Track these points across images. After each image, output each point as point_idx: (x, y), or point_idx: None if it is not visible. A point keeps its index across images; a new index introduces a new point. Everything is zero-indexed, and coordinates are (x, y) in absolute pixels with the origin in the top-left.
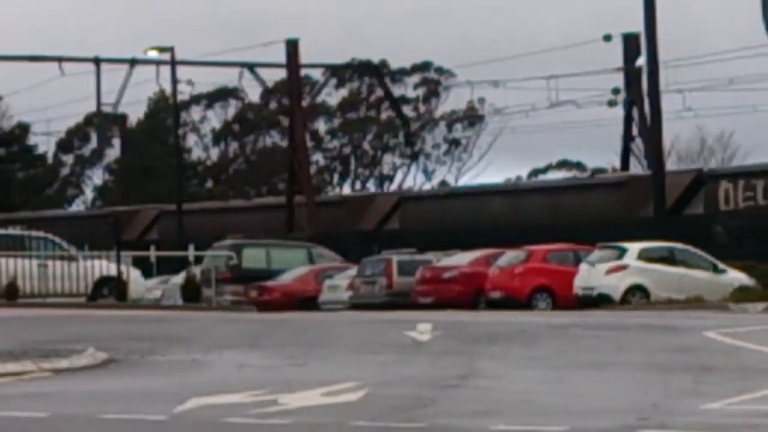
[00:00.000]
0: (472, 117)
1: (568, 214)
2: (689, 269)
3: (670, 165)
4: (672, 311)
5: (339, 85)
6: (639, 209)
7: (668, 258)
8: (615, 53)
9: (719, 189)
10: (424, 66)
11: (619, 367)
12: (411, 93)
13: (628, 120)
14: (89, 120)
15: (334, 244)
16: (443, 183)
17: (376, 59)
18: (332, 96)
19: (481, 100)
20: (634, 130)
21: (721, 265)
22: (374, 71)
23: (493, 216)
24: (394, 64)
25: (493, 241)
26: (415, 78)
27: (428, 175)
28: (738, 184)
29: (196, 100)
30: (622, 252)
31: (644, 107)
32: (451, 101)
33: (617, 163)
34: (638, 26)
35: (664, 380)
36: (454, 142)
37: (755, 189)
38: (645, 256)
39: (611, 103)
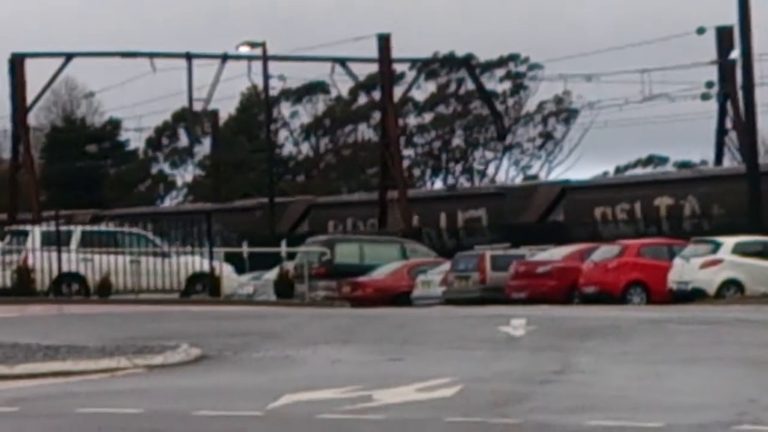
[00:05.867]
0: (565, 111)
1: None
2: None
3: None
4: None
5: (427, 79)
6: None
7: (763, 252)
8: (709, 46)
9: None
10: (512, 59)
11: (715, 362)
12: (498, 86)
13: (722, 113)
14: (180, 116)
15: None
16: (532, 177)
17: (461, 53)
18: (419, 91)
19: (567, 93)
20: (728, 124)
21: None
22: (466, 65)
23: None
24: (482, 58)
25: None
26: (503, 71)
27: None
28: None
29: (284, 95)
30: (717, 246)
31: (738, 100)
32: (539, 95)
33: (711, 157)
34: (732, 19)
35: (761, 375)
36: (547, 136)
37: None
38: (740, 250)
39: (705, 97)
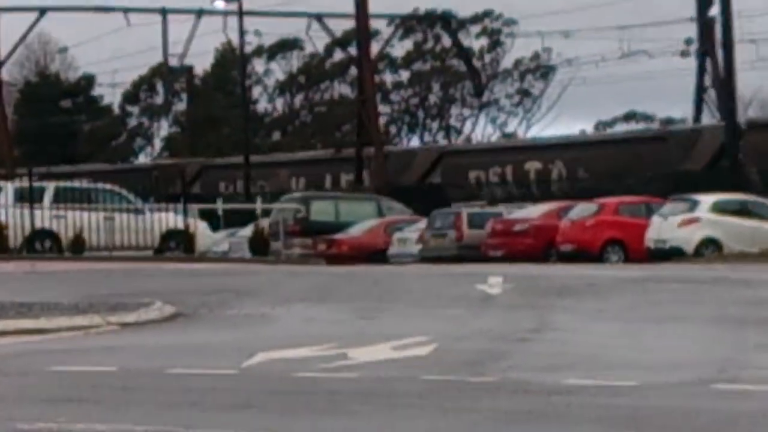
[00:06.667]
0: (543, 68)
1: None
2: (762, 222)
3: (752, 114)
4: (745, 264)
5: (404, 35)
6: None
7: (741, 210)
8: (688, 3)
9: None
10: (488, 15)
11: (693, 321)
12: (475, 43)
13: (700, 71)
14: (156, 71)
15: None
16: (508, 135)
17: (439, 9)
18: (396, 47)
19: (547, 50)
20: (707, 81)
21: None
22: (443, 22)
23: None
24: (458, 14)
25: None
26: (479, 28)
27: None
28: None
29: (258, 51)
30: (695, 204)
31: (717, 57)
32: (516, 52)
33: (690, 114)
34: None
35: (739, 334)
36: (525, 93)
37: None
38: (718, 208)
39: (684, 54)
